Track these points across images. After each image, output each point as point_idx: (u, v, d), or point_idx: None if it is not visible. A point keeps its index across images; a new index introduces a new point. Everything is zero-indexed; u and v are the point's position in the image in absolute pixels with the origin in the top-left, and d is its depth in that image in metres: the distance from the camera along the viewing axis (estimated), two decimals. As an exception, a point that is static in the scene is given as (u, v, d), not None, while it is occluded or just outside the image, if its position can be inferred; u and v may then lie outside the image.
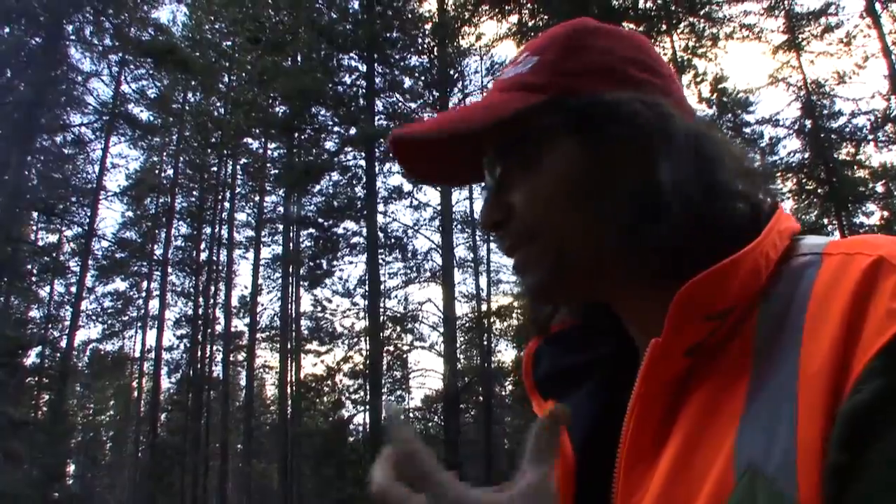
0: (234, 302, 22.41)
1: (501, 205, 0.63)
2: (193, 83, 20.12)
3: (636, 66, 0.63)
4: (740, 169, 0.60)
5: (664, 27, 18.59)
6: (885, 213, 20.28)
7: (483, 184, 0.68)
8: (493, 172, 0.65)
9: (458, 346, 17.79)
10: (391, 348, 18.84)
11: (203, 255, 22.08)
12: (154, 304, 22.12)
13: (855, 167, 19.72)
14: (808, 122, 19.15)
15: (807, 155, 19.05)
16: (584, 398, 0.67)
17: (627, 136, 0.59)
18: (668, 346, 0.53)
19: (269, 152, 21.03)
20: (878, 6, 18.62)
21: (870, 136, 19.23)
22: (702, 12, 18.87)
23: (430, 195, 18.44)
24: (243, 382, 22.25)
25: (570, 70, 0.62)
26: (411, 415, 19.61)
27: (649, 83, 0.63)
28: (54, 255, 20.54)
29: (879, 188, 19.95)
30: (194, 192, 22.13)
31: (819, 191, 19.37)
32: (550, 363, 0.71)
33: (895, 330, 0.44)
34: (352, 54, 18.65)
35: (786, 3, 19.33)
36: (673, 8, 18.74)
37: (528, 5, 17.54)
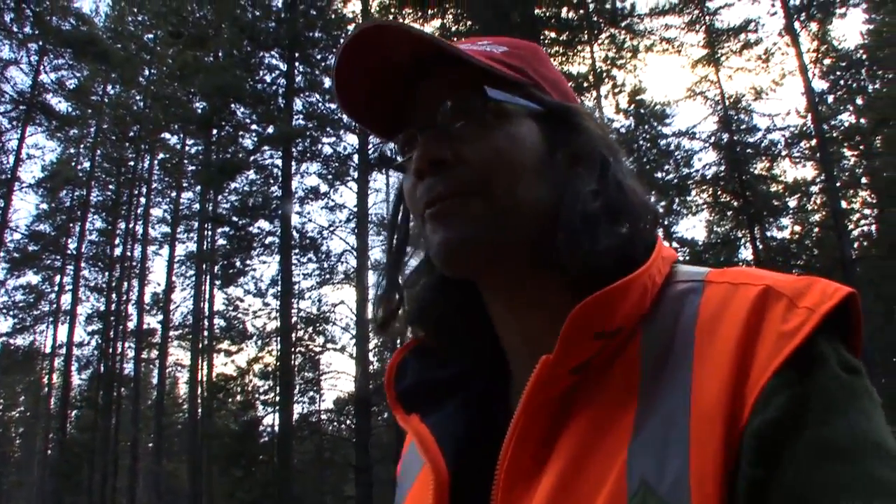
0: (148, 299, 22.13)
1: (452, 148, 0.60)
2: (113, 75, 19.83)
3: (568, 89, 0.69)
4: (636, 196, 0.62)
5: (585, 37, 18.82)
6: (798, 228, 20.88)
7: (420, 127, 0.62)
8: (450, 117, 0.61)
9: (370, 348, 17.75)
10: (303, 349, 18.74)
11: (117, 251, 21.81)
12: (66, 299, 21.74)
13: (769, 182, 20.21)
14: (725, 136, 19.51)
15: (722, 168, 19.41)
16: (454, 413, 0.65)
17: (582, 144, 0.62)
18: (558, 363, 0.53)
19: (187, 148, 20.82)
20: (796, 25, 19.02)
21: (784, 152, 19.65)
22: (623, 24, 19.11)
23: (347, 197, 18.45)
24: (155, 381, 21.98)
25: (536, 70, 0.65)
26: (323, 416, 19.53)
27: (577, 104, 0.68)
28: (-35, 246, 20.02)
29: (793, 203, 20.51)
30: (110, 186, 21.80)
31: (734, 204, 19.79)
32: (416, 376, 0.69)
33: (788, 351, 0.46)
34: (273, 52, 18.59)
35: (706, 18, 19.67)
36: (595, 19, 18.97)
37: (452, 10, 17.69)
